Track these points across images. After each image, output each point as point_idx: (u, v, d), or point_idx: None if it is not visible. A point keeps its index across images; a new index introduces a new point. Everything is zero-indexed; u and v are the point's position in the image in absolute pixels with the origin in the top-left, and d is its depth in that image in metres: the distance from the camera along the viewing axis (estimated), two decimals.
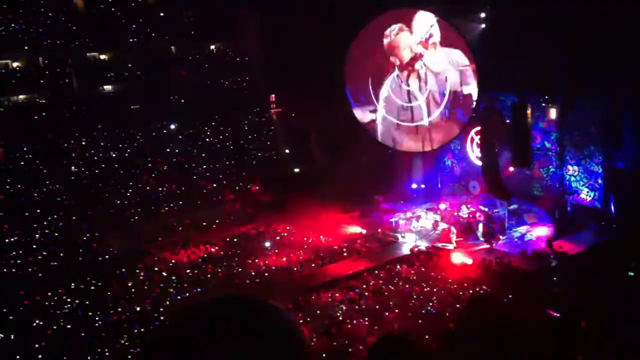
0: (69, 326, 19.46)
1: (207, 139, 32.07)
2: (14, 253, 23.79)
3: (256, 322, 1.54)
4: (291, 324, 1.61)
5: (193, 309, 1.62)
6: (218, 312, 1.56)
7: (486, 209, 26.81)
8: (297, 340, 1.59)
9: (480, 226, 25.88)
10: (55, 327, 19.40)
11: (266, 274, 23.49)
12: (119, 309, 20.60)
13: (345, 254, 25.27)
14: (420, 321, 18.67)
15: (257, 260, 24.74)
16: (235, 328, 1.50)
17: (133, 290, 22.22)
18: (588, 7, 21.81)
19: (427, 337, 16.35)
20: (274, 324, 1.57)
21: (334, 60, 29.18)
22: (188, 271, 24.01)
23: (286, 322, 1.61)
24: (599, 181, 25.92)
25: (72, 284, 22.07)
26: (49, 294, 21.41)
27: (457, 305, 19.24)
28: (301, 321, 19.03)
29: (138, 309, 20.68)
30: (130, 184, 28.79)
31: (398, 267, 23.64)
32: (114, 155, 29.08)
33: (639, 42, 21.06)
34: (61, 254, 24.33)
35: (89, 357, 17.42)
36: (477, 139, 29.15)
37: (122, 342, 18.34)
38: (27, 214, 25.27)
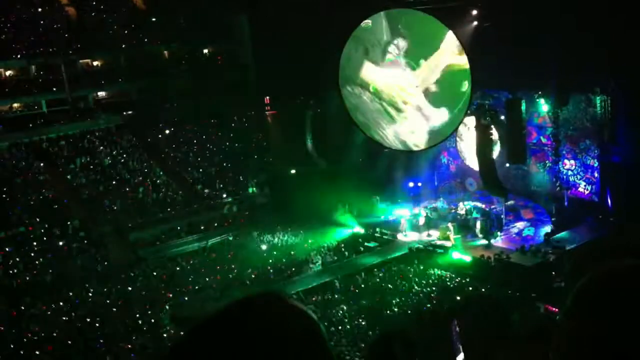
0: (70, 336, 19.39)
1: (202, 144, 31.94)
2: (11, 262, 23.70)
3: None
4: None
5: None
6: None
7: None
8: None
9: (478, 222, 25.87)
10: (55, 335, 19.33)
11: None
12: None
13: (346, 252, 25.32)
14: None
15: None
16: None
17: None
18: (582, 1, 21.80)
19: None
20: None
21: (329, 60, 29.02)
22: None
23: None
24: (596, 175, 25.95)
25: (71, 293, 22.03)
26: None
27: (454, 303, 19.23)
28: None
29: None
30: (127, 189, 28.67)
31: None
32: (108, 161, 28.95)
33: (633, 36, 21.05)
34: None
35: None
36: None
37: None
38: (25, 221, 25.16)
